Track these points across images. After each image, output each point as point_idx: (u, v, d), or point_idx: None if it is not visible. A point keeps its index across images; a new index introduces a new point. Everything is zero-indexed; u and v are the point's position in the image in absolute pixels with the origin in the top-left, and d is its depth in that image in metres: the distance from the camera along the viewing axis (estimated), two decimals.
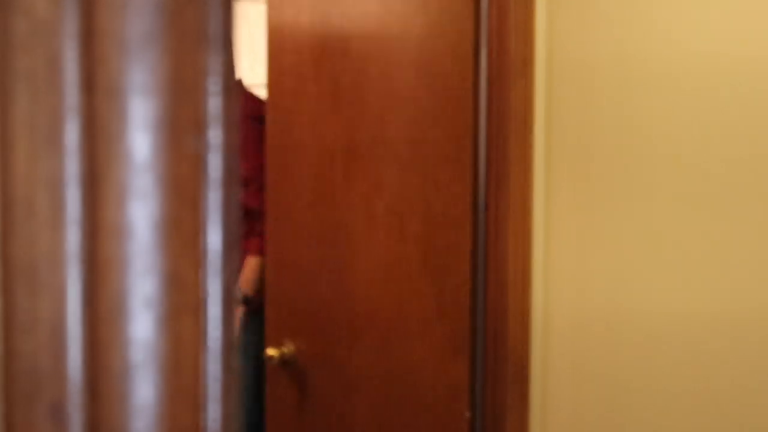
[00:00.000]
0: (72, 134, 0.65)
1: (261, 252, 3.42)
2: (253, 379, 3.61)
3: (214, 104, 0.68)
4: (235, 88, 0.69)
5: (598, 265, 2.23)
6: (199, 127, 0.67)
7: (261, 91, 3.54)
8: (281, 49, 2.58)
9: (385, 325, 2.49)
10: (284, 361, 2.69)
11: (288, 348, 2.68)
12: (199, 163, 0.67)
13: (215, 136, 0.68)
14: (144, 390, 0.68)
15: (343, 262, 2.54)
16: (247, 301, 3.61)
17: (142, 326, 0.67)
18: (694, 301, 2.07)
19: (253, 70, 4.30)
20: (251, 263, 3.55)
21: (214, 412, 0.69)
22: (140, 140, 0.66)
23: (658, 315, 2.13)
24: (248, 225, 3.52)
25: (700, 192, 2.05)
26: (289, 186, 2.61)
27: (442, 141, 2.35)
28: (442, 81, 2.33)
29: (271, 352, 2.70)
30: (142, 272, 0.67)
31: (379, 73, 2.43)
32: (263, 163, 2.77)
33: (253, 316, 3.56)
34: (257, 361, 3.47)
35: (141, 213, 0.67)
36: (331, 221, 2.54)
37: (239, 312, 3.60)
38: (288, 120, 2.55)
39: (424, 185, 2.37)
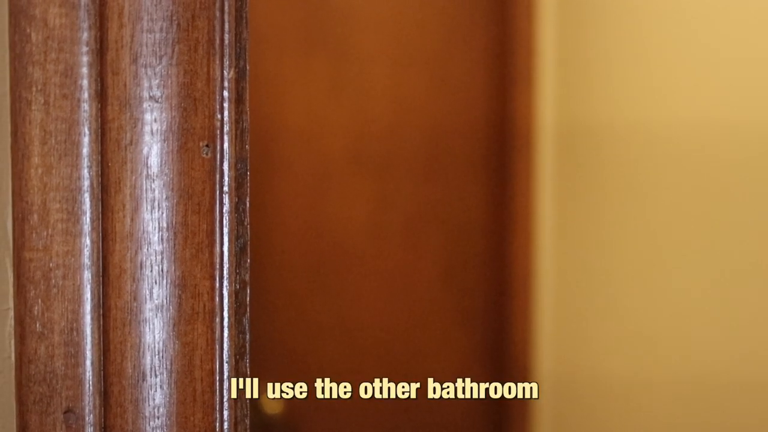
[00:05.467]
0: (85, 143, 0.66)
1: None
2: None
3: (226, 113, 0.69)
4: (246, 97, 0.70)
5: (610, 273, 2.24)
6: (211, 136, 0.68)
7: None
8: (259, 42, 2.12)
9: (398, 349, 2.35)
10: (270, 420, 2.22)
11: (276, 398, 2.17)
12: (210, 172, 0.68)
13: (226, 144, 0.69)
14: (157, 394, 0.69)
15: (344, 289, 2.29)
16: None
17: (154, 332, 0.68)
18: (702, 304, 2.08)
19: None
20: None
21: (226, 416, 0.70)
22: (153, 149, 0.67)
23: (667, 318, 2.14)
24: None
25: (709, 199, 2.06)
26: (273, 209, 2.21)
27: (465, 148, 2.34)
28: (461, 86, 2.33)
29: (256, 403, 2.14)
30: (155, 279, 0.68)
31: (389, 73, 2.30)
32: None
33: None
34: None
35: (153, 221, 0.68)
36: (329, 244, 2.29)
37: None
38: (271, 129, 2.18)
39: (444, 195, 2.36)
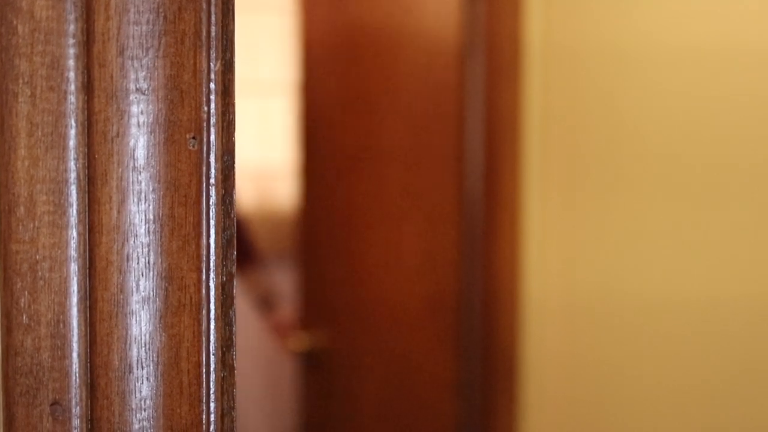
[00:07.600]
0: (72, 136, 0.66)
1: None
2: None
3: (212, 106, 0.69)
4: (232, 90, 0.70)
5: (591, 259, 2.24)
6: (198, 128, 0.68)
7: None
8: (313, 55, 2.59)
9: (386, 316, 2.50)
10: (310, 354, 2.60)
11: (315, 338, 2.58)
12: (197, 164, 0.68)
13: (213, 137, 0.69)
14: (143, 387, 0.69)
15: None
16: None
17: (141, 324, 0.68)
18: (685, 291, 2.08)
19: None
20: None
21: (212, 408, 0.70)
22: (139, 141, 0.67)
23: (651, 308, 2.15)
24: None
25: (690, 186, 2.07)
26: (320, 180, 2.64)
27: (440, 142, 2.37)
28: (440, 82, 2.36)
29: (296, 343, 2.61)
30: (142, 271, 0.68)
31: (383, 76, 2.46)
32: None
33: None
34: None
35: (140, 213, 0.68)
36: (340, 221, 2.57)
37: None
38: (317, 122, 2.60)
39: (421, 184, 2.41)
